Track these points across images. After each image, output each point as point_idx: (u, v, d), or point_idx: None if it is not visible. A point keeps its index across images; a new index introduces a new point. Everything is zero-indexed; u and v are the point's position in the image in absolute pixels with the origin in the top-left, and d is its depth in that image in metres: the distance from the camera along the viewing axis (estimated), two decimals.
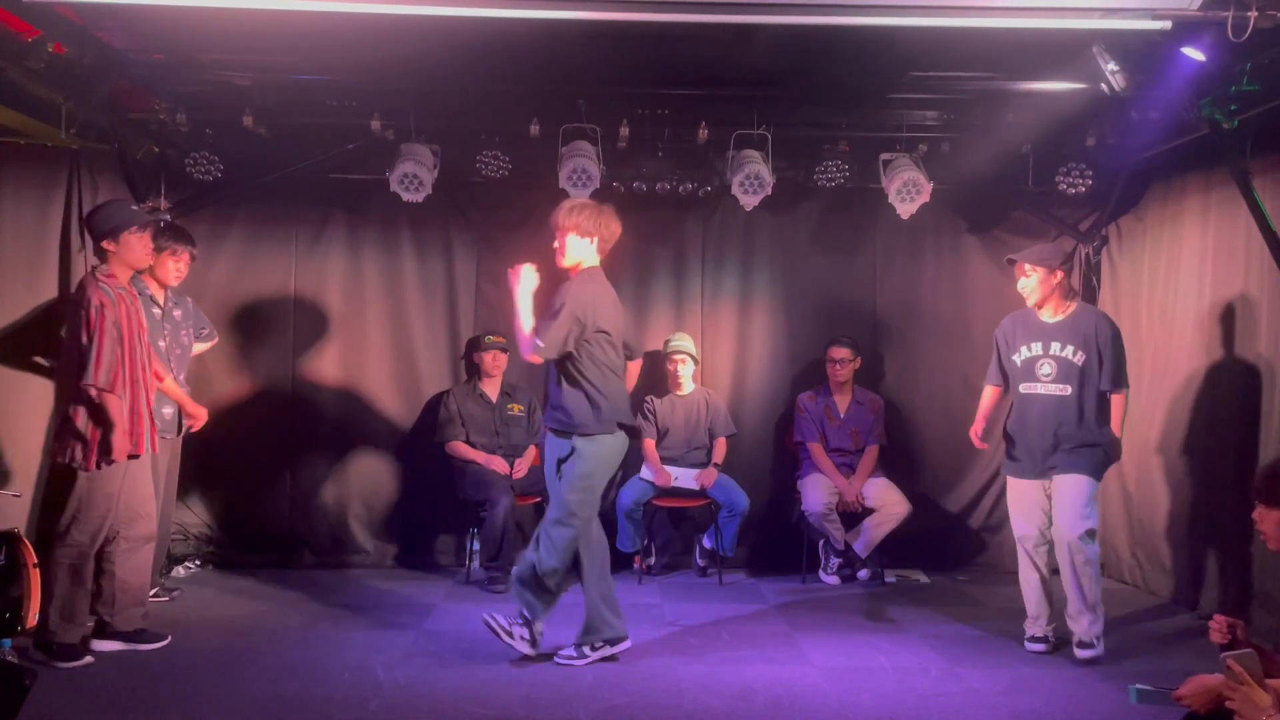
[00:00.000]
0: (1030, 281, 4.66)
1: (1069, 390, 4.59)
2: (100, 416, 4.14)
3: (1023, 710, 3.92)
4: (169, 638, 4.55)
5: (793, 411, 6.23)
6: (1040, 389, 4.65)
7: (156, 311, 5.00)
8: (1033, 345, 4.70)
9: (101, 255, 4.32)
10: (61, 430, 4.22)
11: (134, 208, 4.43)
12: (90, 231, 4.36)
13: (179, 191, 5.88)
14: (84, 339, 4.12)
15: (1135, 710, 3.79)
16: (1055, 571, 4.62)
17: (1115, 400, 4.62)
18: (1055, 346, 4.63)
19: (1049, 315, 4.69)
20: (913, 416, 6.47)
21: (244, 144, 5.57)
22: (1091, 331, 4.60)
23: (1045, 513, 4.63)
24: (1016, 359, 4.75)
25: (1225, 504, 5.11)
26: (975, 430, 4.97)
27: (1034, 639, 4.68)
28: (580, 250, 4.59)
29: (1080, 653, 4.49)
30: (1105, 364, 4.57)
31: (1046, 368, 4.64)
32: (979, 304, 6.41)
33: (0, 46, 4.28)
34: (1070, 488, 4.52)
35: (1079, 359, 4.59)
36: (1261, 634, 4.08)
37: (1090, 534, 4.49)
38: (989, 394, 4.97)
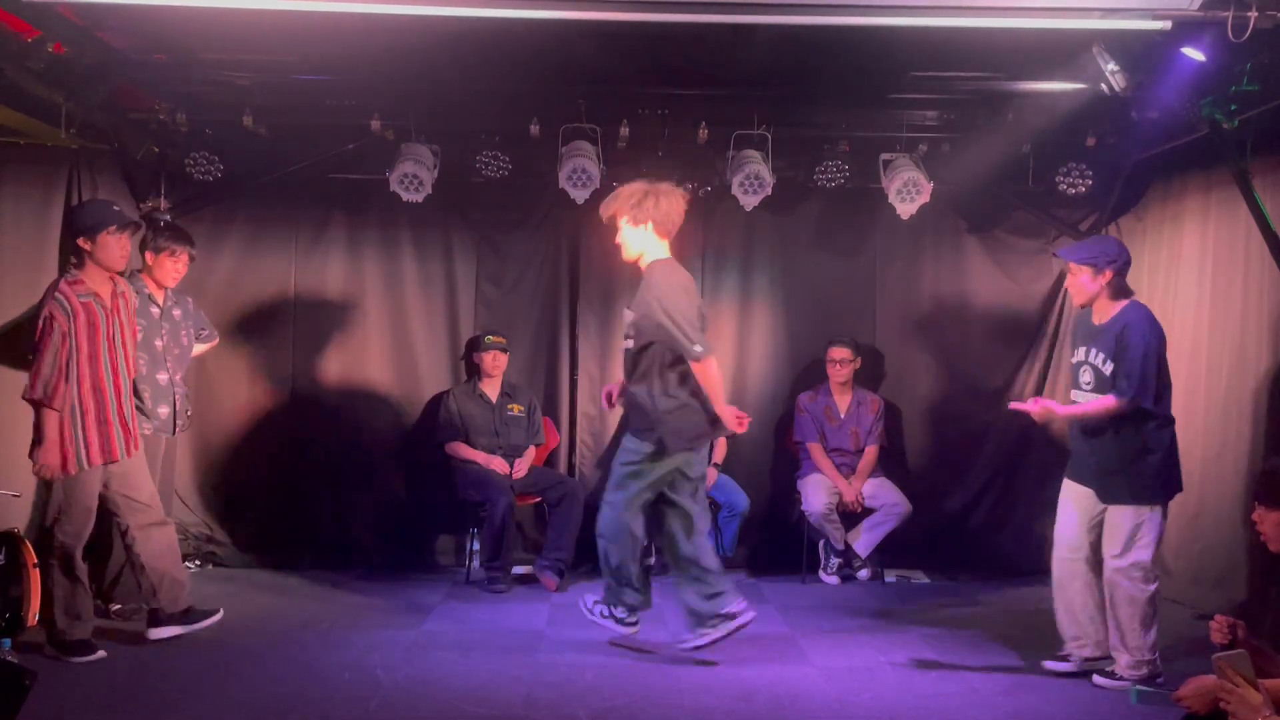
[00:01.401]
0: (1078, 281, 4.23)
1: None
2: (39, 427, 4.18)
3: (1023, 710, 3.92)
4: (220, 611, 4.63)
5: (793, 411, 6.23)
6: (1079, 397, 4.27)
7: (155, 311, 5.00)
8: (1079, 349, 4.30)
9: (78, 254, 4.31)
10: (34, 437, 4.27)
11: (116, 208, 4.38)
12: (70, 228, 4.39)
13: (179, 191, 5.88)
14: (34, 347, 4.18)
15: (1135, 710, 3.81)
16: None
17: (1104, 398, 4.09)
18: (1093, 353, 4.20)
19: (1099, 316, 4.23)
20: (913, 416, 6.47)
21: (244, 144, 5.57)
22: (1121, 333, 4.08)
23: (1080, 524, 4.24)
24: (1073, 360, 4.37)
25: (1225, 504, 5.11)
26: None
27: (1054, 657, 4.34)
28: (639, 240, 4.35)
29: (1097, 678, 4.16)
30: (1122, 362, 4.05)
31: (1087, 375, 4.24)
32: (979, 304, 6.41)
33: (0, 46, 4.28)
34: (1113, 518, 4.14)
35: (1108, 368, 4.12)
36: (1261, 634, 4.08)
37: (1135, 568, 4.05)
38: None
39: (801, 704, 3.96)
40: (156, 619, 4.49)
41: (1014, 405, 4.45)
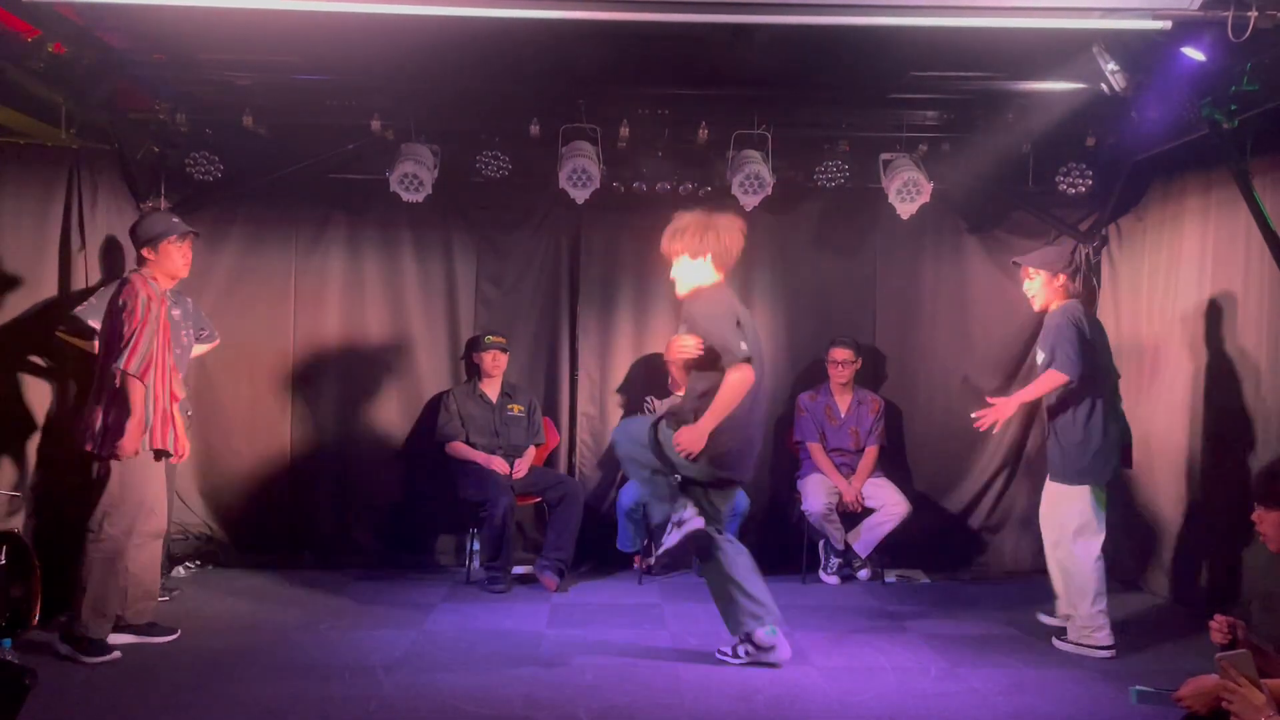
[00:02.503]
0: (1034, 284, 4.73)
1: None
2: (124, 404, 4.21)
3: (1023, 710, 3.92)
4: (179, 631, 4.60)
5: (793, 411, 6.22)
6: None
7: None
8: (1039, 352, 4.74)
9: (140, 263, 4.48)
10: (89, 419, 4.28)
11: (176, 219, 4.58)
12: (133, 241, 4.53)
13: (179, 191, 5.87)
14: (127, 328, 4.22)
15: (1135, 711, 3.80)
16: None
17: (1047, 373, 4.52)
18: (1038, 352, 4.72)
19: (1048, 319, 4.72)
20: (913, 416, 6.47)
21: (244, 144, 5.57)
22: (1051, 329, 4.58)
23: (1049, 508, 4.78)
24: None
25: (1225, 503, 5.10)
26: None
27: (1044, 610, 5.02)
28: (696, 273, 4.32)
29: (1055, 641, 4.73)
30: (1053, 350, 4.51)
31: (1039, 372, 4.72)
32: (979, 304, 6.41)
33: (0, 46, 4.28)
34: (1046, 493, 4.75)
35: (1043, 363, 4.63)
36: (1261, 634, 4.08)
37: (1066, 538, 4.60)
38: None
39: (801, 704, 3.96)
40: (117, 623, 4.46)
41: (976, 416, 4.65)
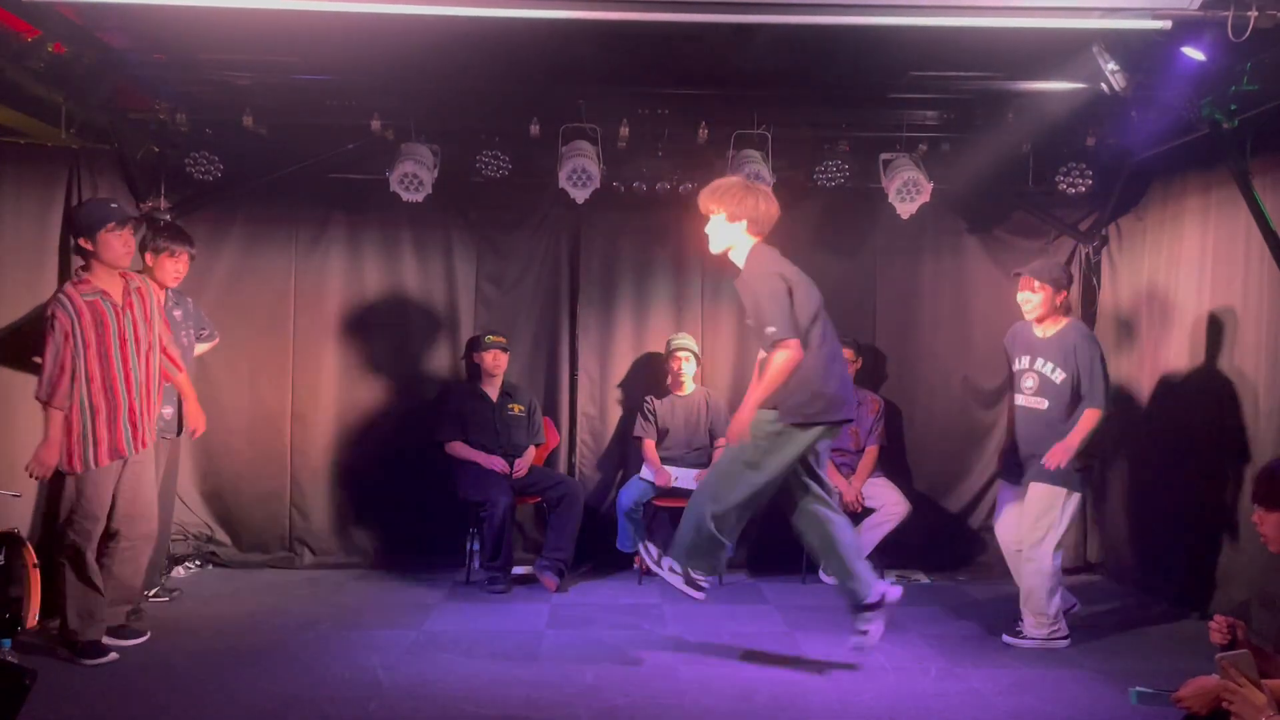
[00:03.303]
0: (1036, 298, 4.77)
1: (1044, 405, 4.73)
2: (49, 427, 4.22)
3: (1023, 710, 3.92)
4: (149, 634, 4.58)
5: None
6: (1022, 401, 4.82)
7: None
8: (1023, 358, 4.84)
9: (84, 255, 4.34)
10: None
11: (114, 205, 4.37)
12: (71, 230, 4.44)
13: (179, 191, 5.88)
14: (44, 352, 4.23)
15: (1135, 711, 3.80)
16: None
17: (1086, 414, 4.63)
18: (1040, 362, 4.76)
19: (1041, 331, 4.81)
20: (913, 416, 6.47)
21: (244, 144, 5.57)
22: (1072, 350, 4.67)
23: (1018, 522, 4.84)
24: (1012, 368, 4.93)
25: (1225, 504, 5.10)
26: (1005, 446, 5.06)
27: (1010, 632, 4.85)
28: (730, 234, 4.35)
29: (1005, 637, 4.78)
30: (1083, 382, 4.63)
31: (1029, 381, 4.79)
32: (979, 304, 6.42)
33: (0, 46, 4.28)
34: (1031, 494, 4.73)
35: (1058, 377, 4.69)
36: (1261, 634, 4.08)
37: (1044, 542, 4.65)
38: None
39: (801, 704, 3.96)
40: None
41: (1050, 461, 4.62)
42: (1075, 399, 4.66)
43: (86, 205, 4.45)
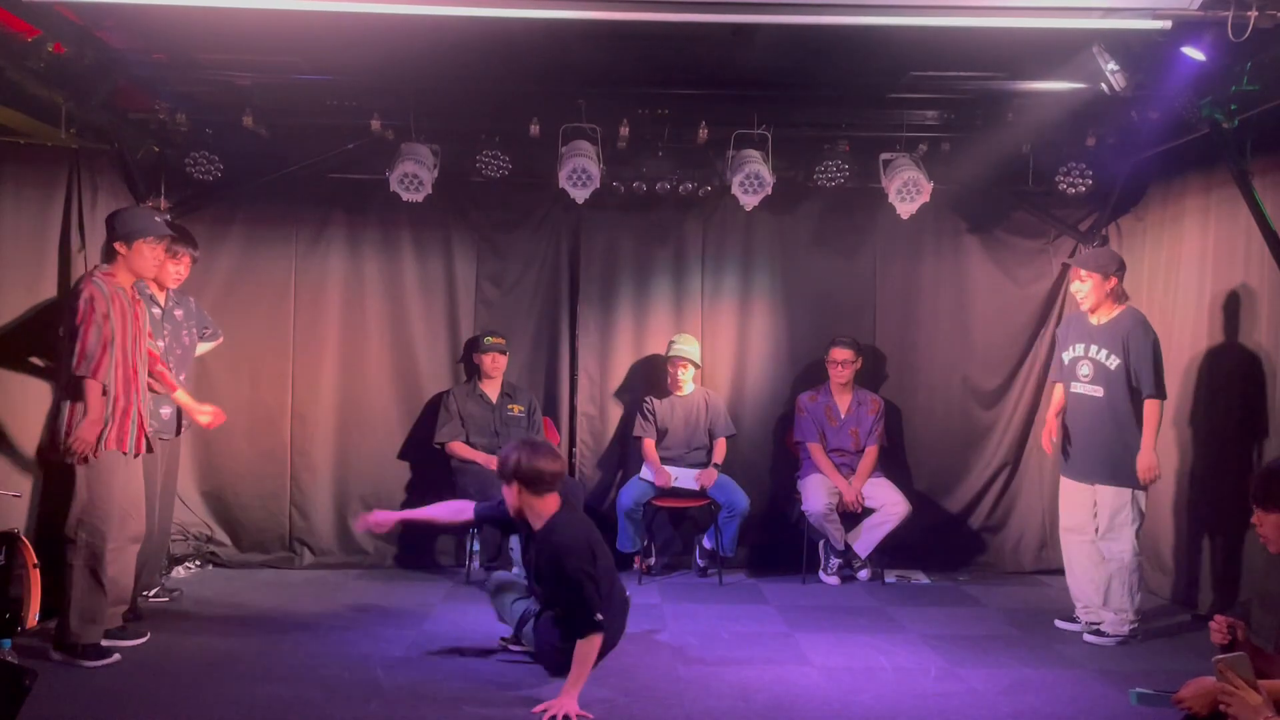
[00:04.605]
0: (1085, 286, 4.86)
1: (1101, 393, 4.80)
2: (83, 405, 4.18)
3: (1023, 710, 3.92)
4: (148, 635, 4.58)
5: (793, 411, 6.22)
6: (1078, 389, 4.90)
7: (156, 311, 5.00)
8: (1077, 346, 4.93)
9: (109, 256, 4.38)
10: (54, 425, 4.26)
11: (157, 219, 4.47)
12: (108, 230, 4.42)
13: (179, 191, 5.88)
14: (73, 330, 4.18)
15: (1135, 712, 3.80)
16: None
17: (1147, 406, 4.70)
18: (1094, 349, 4.85)
19: (1096, 318, 4.89)
20: (913, 416, 6.47)
21: (244, 144, 5.57)
22: (1126, 336, 4.75)
23: (1084, 512, 4.88)
24: (1065, 357, 5.00)
25: (1226, 504, 5.11)
26: (1046, 432, 5.14)
27: (1066, 619, 5.04)
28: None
29: (1088, 636, 4.83)
30: (1135, 369, 4.71)
31: (1085, 369, 4.88)
32: (979, 304, 6.42)
33: (0, 46, 4.28)
34: (1104, 497, 4.78)
35: (1112, 363, 4.77)
36: (1261, 634, 4.09)
37: (1120, 540, 4.71)
38: (1056, 393, 5.14)
39: (801, 704, 3.96)
40: None
41: (1144, 479, 4.75)
42: (1130, 386, 4.73)
43: (132, 211, 4.51)
